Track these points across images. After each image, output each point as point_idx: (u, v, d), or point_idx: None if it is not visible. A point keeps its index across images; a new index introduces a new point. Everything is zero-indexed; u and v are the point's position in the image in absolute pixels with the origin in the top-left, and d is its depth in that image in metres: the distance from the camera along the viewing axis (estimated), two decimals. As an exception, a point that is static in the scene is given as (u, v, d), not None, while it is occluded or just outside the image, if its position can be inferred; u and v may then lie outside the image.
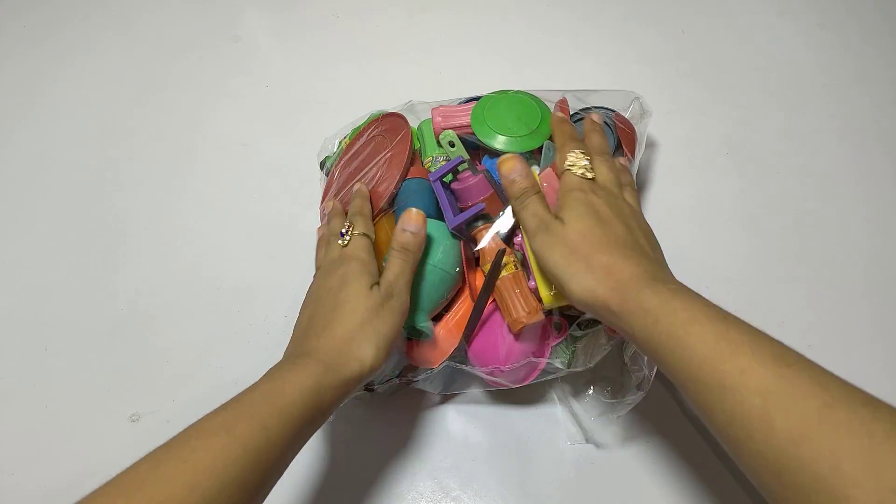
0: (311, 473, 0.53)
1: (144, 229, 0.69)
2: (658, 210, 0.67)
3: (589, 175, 0.45)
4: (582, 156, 0.46)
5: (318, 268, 0.51)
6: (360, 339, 0.41)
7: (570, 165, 0.46)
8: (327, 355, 0.40)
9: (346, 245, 0.47)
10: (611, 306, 0.38)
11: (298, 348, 0.43)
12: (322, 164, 0.65)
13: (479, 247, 0.50)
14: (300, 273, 0.57)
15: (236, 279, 0.65)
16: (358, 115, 0.74)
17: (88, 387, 0.60)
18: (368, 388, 0.52)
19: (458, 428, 0.55)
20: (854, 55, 0.79)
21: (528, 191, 0.45)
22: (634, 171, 0.58)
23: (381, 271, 0.46)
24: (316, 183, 0.65)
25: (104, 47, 0.85)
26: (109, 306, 0.64)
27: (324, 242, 0.52)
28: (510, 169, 0.46)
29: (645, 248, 0.42)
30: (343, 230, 0.48)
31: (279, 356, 0.54)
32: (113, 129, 0.78)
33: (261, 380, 0.39)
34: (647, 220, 0.47)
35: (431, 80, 0.80)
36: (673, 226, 0.67)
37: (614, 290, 0.38)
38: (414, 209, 0.47)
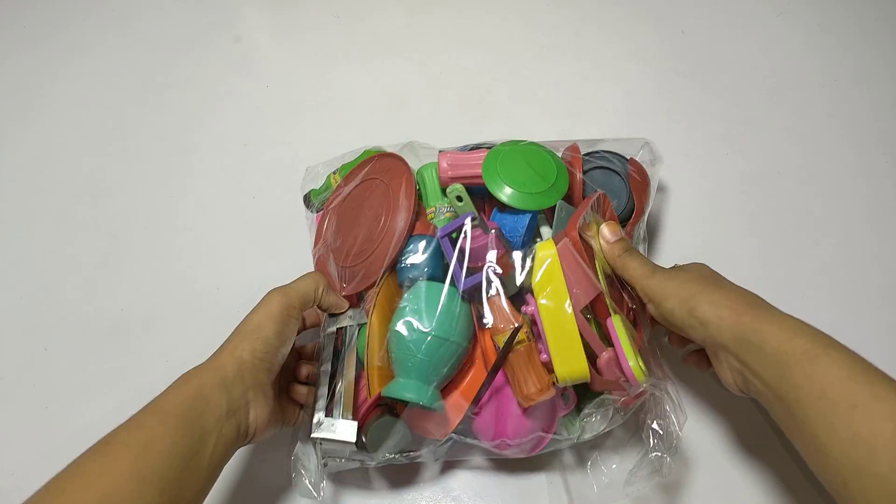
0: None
1: (144, 229, 0.69)
2: (657, 211, 0.67)
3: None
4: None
5: None
6: (238, 337, 0.48)
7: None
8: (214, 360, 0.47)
9: None
10: (743, 317, 0.40)
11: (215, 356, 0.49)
12: (306, 199, 0.62)
13: (487, 320, 0.46)
14: (300, 273, 0.57)
15: (236, 279, 0.65)
16: (358, 114, 0.75)
17: (88, 387, 0.60)
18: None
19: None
20: (854, 55, 0.79)
21: (629, 245, 0.49)
22: (644, 219, 0.57)
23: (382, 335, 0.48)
24: (314, 183, 0.65)
25: (104, 47, 0.85)
26: (109, 306, 0.64)
27: None
28: (613, 231, 0.49)
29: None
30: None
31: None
32: (113, 129, 0.78)
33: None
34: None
35: (431, 80, 0.80)
36: (672, 226, 0.67)
37: (749, 305, 0.41)
38: None
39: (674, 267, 0.49)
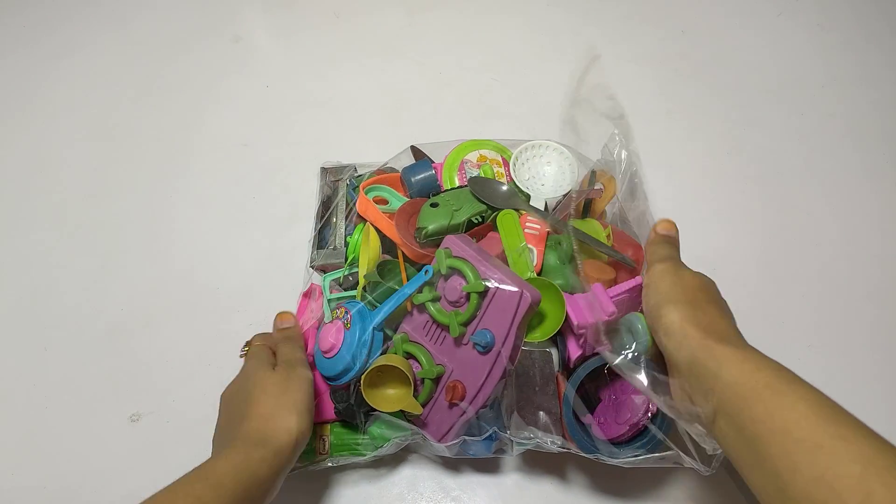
0: (310, 472, 0.53)
1: (144, 229, 0.69)
2: (657, 211, 0.67)
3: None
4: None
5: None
6: (281, 412, 0.43)
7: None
8: (252, 434, 0.42)
9: (243, 355, 0.50)
10: (708, 341, 0.38)
11: (224, 442, 0.44)
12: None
13: None
14: (300, 273, 0.57)
15: (236, 279, 0.65)
16: (358, 114, 0.75)
17: (88, 387, 0.60)
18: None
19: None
20: (854, 55, 0.79)
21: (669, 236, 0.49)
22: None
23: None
24: (315, 182, 0.64)
25: (104, 47, 0.85)
26: (109, 306, 0.64)
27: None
28: (667, 227, 0.50)
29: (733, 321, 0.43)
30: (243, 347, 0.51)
31: (279, 356, 0.55)
32: (113, 129, 0.78)
33: (192, 470, 0.41)
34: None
35: (431, 80, 0.80)
36: (673, 226, 0.67)
37: (716, 331, 0.39)
38: (284, 312, 0.52)
39: (685, 269, 0.47)
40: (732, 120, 0.74)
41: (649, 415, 0.44)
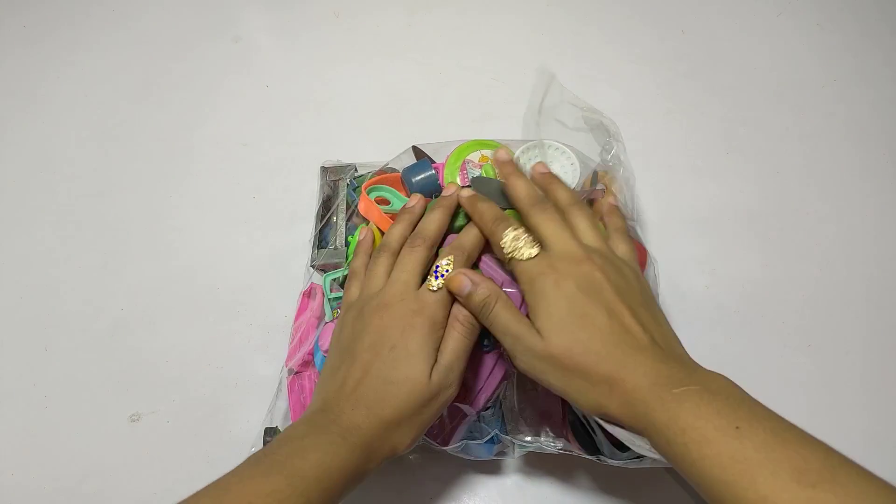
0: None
1: (144, 229, 0.69)
2: (657, 211, 0.67)
3: (534, 251, 0.39)
4: (514, 233, 0.39)
5: (352, 302, 0.44)
6: (404, 427, 0.37)
7: (510, 252, 0.39)
8: (371, 438, 0.36)
9: (437, 290, 0.40)
10: (624, 422, 0.35)
11: (338, 407, 0.37)
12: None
13: None
14: (300, 273, 0.57)
15: (236, 279, 0.65)
16: (358, 113, 0.74)
17: (88, 387, 0.60)
18: None
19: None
20: (854, 54, 0.79)
21: (487, 300, 0.39)
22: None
23: None
24: (315, 182, 0.64)
25: (103, 47, 0.85)
26: (109, 306, 0.64)
27: (359, 276, 0.45)
28: (459, 284, 0.39)
29: (639, 334, 0.36)
30: (441, 265, 0.40)
31: (279, 356, 0.55)
32: (112, 129, 0.78)
33: (308, 443, 0.35)
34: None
35: (431, 80, 0.80)
36: (672, 226, 0.67)
37: (622, 405, 0.34)
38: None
39: (534, 328, 0.37)
40: (732, 119, 0.74)
41: None
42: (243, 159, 0.74)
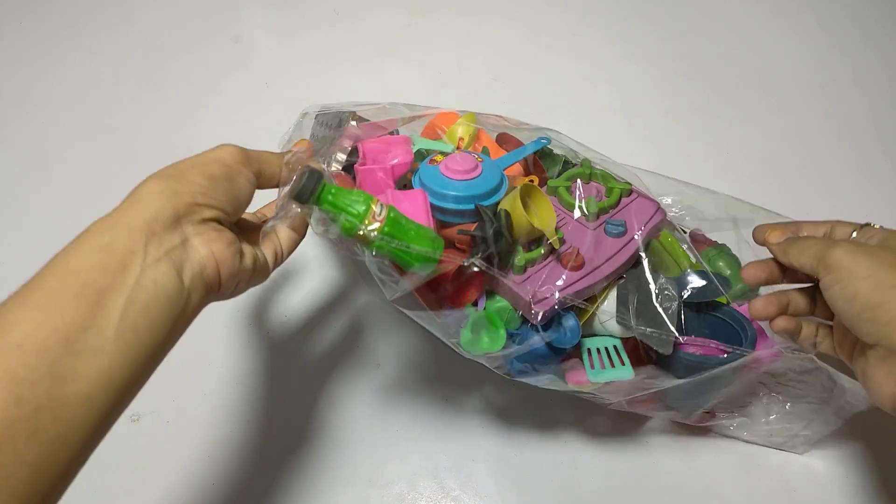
0: (310, 473, 0.53)
1: (144, 229, 0.69)
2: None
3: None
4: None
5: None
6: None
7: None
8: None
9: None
10: None
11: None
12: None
13: None
14: (299, 273, 0.57)
15: (236, 279, 0.65)
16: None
17: (88, 386, 0.59)
18: None
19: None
20: (852, 55, 0.79)
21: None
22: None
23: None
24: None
25: (104, 46, 0.85)
26: (109, 306, 0.64)
27: None
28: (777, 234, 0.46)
29: None
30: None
31: (280, 356, 0.55)
32: (112, 128, 0.78)
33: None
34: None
35: (431, 79, 0.80)
36: (673, 226, 0.67)
37: None
38: None
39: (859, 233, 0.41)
40: (731, 119, 0.74)
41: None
42: (243, 159, 0.74)
